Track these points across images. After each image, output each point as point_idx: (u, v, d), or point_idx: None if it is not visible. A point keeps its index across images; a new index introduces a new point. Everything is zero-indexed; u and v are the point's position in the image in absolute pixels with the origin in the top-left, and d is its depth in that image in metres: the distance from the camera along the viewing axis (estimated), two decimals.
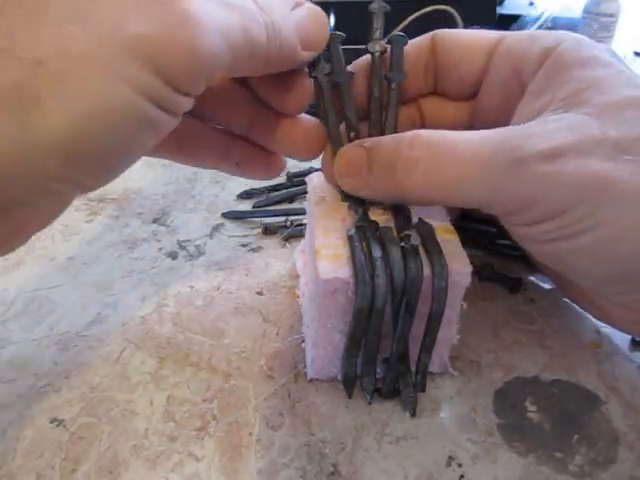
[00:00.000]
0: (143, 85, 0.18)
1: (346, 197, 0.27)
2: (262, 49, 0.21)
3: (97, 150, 0.18)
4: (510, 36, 0.27)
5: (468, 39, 0.28)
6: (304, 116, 0.27)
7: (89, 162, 0.18)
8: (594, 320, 0.31)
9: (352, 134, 0.26)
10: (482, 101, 0.28)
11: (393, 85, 0.26)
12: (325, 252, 0.24)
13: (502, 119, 0.26)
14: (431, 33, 0.28)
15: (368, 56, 0.26)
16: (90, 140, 0.17)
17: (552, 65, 0.24)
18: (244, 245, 0.37)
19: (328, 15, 0.24)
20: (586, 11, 0.70)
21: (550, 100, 0.24)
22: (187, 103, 0.19)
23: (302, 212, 0.38)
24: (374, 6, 0.26)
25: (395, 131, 0.26)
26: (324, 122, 0.26)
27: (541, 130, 0.22)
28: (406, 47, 0.27)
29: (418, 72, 0.28)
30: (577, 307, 0.32)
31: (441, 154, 0.22)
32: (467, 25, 0.69)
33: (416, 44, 0.28)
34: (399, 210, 0.26)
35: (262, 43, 0.21)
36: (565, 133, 0.21)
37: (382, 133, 0.26)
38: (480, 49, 0.27)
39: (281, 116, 0.27)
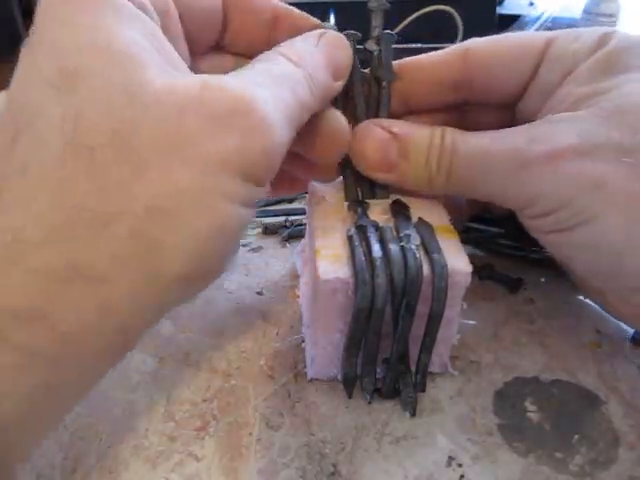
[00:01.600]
0: (239, 194, 0.19)
1: (347, 197, 0.27)
2: (310, 105, 0.22)
3: (215, 263, 0.19)
4: (558, 39, 0.26)
5: (507, 55, 0.27)
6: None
7: (205, 276, 0.20)
8: (594, 320, 0.31)
9: None
10: (526, 106, 0.28)
11: (384, 84, 0.26)
12: (325, 252, 0.24)
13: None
14: (463, 47, 0.27)
15: None
16: (209, 259, 0.19)
17: (597, 60, 0.25)
18: (244, 245, 0.37)
19: (328, 15, 0.24)
20: (586, 11, 0.70)
21: (568, 93, 0.25)
22: (266, 188, 0.21)
23: (302, 212, 0.38)
24: (373, 4, 0.26)
25: None
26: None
27: (546, 131, 0.23)
28: (430, 56, 0.27)
29: (444, 84, 0.28)
30: (577, 307, 0.32)
31: (467, 158, 0.24)
32: (467, 25, 0.69)
33: (446, 54, 0.27)
34: (399, 210, 0.26)
35: (310, 100, 0.22)
36: (568, 134, 0.23)
37: None
38: (523, 64, 0.26)
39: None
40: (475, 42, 0.27)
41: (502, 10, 0.77)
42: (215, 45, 0.25)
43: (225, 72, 0.20)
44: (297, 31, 0.24)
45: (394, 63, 0.27)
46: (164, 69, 0.18)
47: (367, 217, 0.25)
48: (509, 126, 0.25)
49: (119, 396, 0.26)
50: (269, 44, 0.23)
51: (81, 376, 0.19)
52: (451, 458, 0.24)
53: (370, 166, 0.26)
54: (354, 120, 0.26)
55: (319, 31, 0.24)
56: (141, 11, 0.19)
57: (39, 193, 0.16)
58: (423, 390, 0.26)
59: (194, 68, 0.23)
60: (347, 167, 0.27)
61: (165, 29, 0.20)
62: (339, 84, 0.24)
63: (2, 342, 0.16)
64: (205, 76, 0.19)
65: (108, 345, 0.18)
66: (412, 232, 0.24)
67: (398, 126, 0.25)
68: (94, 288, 0.17)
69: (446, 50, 0.28)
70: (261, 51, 0.23)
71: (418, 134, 0.25)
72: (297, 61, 0.22)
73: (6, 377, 0.16)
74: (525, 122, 0.25)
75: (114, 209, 0.16)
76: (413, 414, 0.25)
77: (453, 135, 0.25)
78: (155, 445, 0.24)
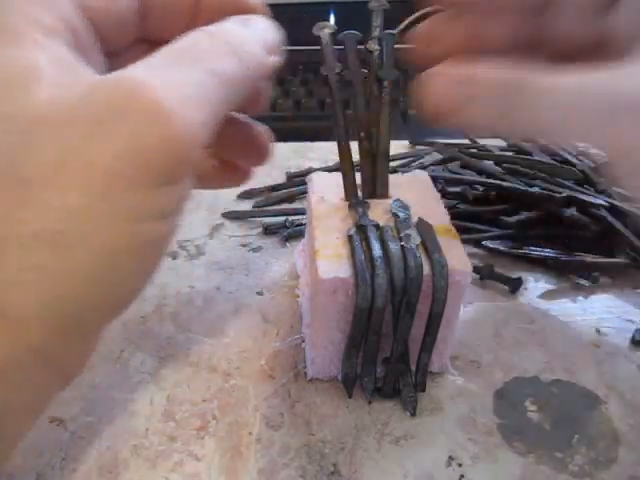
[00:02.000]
0: (142, 206, 0.16)
1: (347, 197, 0.27)
2: (243, 76, 0.20)
3: (123, 288, 0.18)
4: None
5: None
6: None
7: (115, 302, 0.18)
8: (594, 320, 0.31)
9: (362, 134, 0.26)
10: (618, 16, 0.23)
11: (385, 84, 0.26)
12: (325, 252, 0.24)
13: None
14: None
15: None
16: (113, 284, 0.17)
17: None
18: (244, 245, 0.37)
19: (328, 15, 0.24)
20: None
21: None
22: (188, 185, 0.18)
23: (302, 212, 0.38)
24: (373, 4, 0.26)
25: (390, 129, 0.26)
26: (333, 121, 0.26)
27: None
28: None
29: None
30: (577, 307, 0.32)
31: (549, 99, 0.21)
32: None
33: None
34: (399, 210, 0.26)
35: (239, 71, 0.19)
36: None
37: (378, 132, 0.26)
38: None
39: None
40: None
41: None
42: (137, 38, 0.23)
43: None
44: (223, 16, 0.21)
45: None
46: (58, 83, 0.16)
47: (367, 217, 0.25)
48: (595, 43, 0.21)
49: (119, 396, 0.26)
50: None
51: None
52: (451, 458, 0.24)
53: (434, 112, 0.23)
54: (355, 121, 0.26)
55: (245, 15, 0.22)
56: (42, 31, 0.17)
57: None
58: (423, 390, 0.26)
59: (117, 67, 0.22)
60: (347, 166, 0.27)
61: (76, 42, 0.19)
62: (273, 59, 0.22)
63: None
64: (99, 76, 0.17)
65: (31, 376, 0.17)
66: (412, 232, 0.24)
67: (467, 69, 0.22)
68: None
69: None
70: None
71: (491, 74, 0.22)
72: (216, 32, 0.19)
73: None
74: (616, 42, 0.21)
75: None
76: (413, 414, 0.25)
77: (534, 75, 0.21)
78: (155, 445, 0.24)
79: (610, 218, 0.34)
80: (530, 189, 0.36)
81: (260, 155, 0.26)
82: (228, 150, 0.26)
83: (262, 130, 0.26)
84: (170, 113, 0.16)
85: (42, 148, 0.15)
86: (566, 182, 0.37)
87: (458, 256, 0.24)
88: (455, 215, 0.28)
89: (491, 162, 0.40)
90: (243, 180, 0.28)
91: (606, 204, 0.34)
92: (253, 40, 0.21)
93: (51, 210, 0.15)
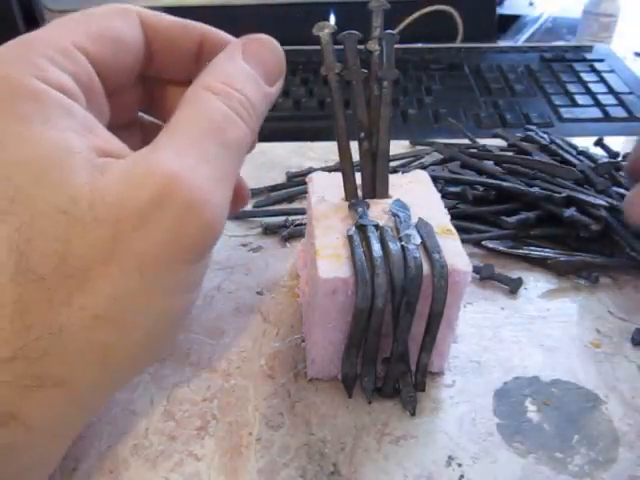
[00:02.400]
0: (181, 282, 0.20)
1: (347, 197, 0.27)
2: (249, 129, 0.22)
3: (163, 348, 0.23)
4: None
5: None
6: None
7: (155, 358, 0.24)
8: (594, 320, 0.31)
9: (362, 134, 0.26)
10: None
11: (385, 84, 0.26)
12: (325, 252, 0.24)
13: None
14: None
15: None
16: (158, 348, 0.22)
17: None
18: (244, 245, 0.37)
19: (328, 15, 0.24)
20: (586, 11, 0.70)
21: None
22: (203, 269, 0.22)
23: (302, 212, 0.38)
24: (373, 4, 0.26)
25: (390, 129, 0.26)
26: (333, 121, 0.26)
27: None
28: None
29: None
30: (577, 307, 0.32)
31: None
32: (467, 25, 0.69)
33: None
34: (399, 210, 0.26)
35: (246, 126, 0.21)
36: None
37: (378, 132, 0.26)
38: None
39: None
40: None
41: (502, 10, 0.77)
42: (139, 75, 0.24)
43: (148, 105, 0.21)
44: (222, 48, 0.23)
45: None
46: (89, 164, 0.18)
47: (367, 217, 0.25)
48: None
49: (119, 396, 0.26)
50: (197, 69, 0.22)
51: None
52: (451, 458, 0.24)
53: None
54: (355, 121, 0.26)
55: (241, 39, 0.23)
56: (62, 94, 0.19)
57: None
58: (423, 390, 0.26)
59: (117, 105, 0.23)
60: (347, 166, 0.27)
61: (89, 100, 0.20)
62: (277, 87, 0.23)
63: None
64: (129, 163, 0.18)
65: (74, 430, 0.20)
66: (412, 232, 0.24)
67: None
68: (57, 391, 0.18)
69: None
70: (188, 76, 0.22)
71: None
72: (222, 89, 0.21)
73: None
74: None
75: (64, 321, 0.17)
76: (413, 414, 0.25)
77: None
78: (155, 445, 0.24)
79: (610, 218, 0.34)
80: (530, 189, 0.36)
81: (241, 199, 0.28)
82: None
83: (242, 180, 0.28)
84: (204, 201, 0.18)
85: (95, 237, 0.17)
86: (566, 182, 0.37)
87: (458, 256, 0.24)
88: (455, 215, 0.28)
89: (491, 162, 0.40)
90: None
91: (606, 204, 0.34)
92: (254, 77, 0.22)
93: (106, 294, 0.17)
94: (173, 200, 0.18)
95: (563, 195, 0.35)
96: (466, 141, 0.45)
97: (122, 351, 0.19)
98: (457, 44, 0.68)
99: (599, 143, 0.43)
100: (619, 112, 0.53)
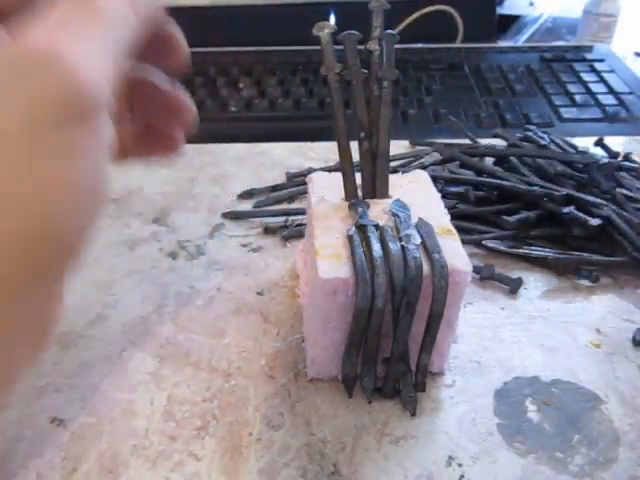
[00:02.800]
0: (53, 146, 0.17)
1: (347, 197, 0.27)
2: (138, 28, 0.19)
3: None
4: None
5: None
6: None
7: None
8: (594, 320, 0.31)
9: (362, 134, 0.26)
10: None
11: (385, 84, 0.26)
12: (325, 252, 0.24)
13: None
14: None
15: None
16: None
17: None
18: (244, 245, 0.37)
19: (328, 15, 0.24)
20: (586, 11, 0.70)
21: None
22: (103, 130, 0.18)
23: (302, 212, 0.38)
24: (373, 4, 0.26)
25: (390, 129, 0.26)
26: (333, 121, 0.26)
27: None
28: None
29: None
30: (577, 307, 0.32)
31: None
32: (467, 25, 0.69)
33: None
34: (399, 210, 0.26)
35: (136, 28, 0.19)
36: None
37: (378, 132, 0.26)
38: None
39: None
40: None
41: (502, 10, 0.77)
42: None
43: None
44: None
45: None
46: None
47: (367, 217, 0.25)
48: None
49: (119, 396, 0.26)
50: None
51: None
52: (451, 458, 0.24)
53: None
54: (355, 121, 0.26)
55: None
56: None
57: None
58: (423, 390, 0.26)
59: None
60: (347, 166, 0.27)
61: None
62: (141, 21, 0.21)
63: None
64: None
65: None
66: (412, 232, 0.24)
67: None
68: None
69: None
70: None
71: None
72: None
73: None
74: None
75: None
76: (413, 414, 0.25)
77: None
78: (155, 445, 0.24)
79: (612, 217, 0.34)
80: (530, 189, 0.36)
81: (183, 119, 0.26)
82: (148, 114, 0.25)
83: (182, 92, 0.25)
84: (59, 58, 0.16)
85: None
86: (568, 182, 0.37)
87: (458, 256, 0.24)
88: (455, 215, 0.28)
89: (491, 162, 0.40)
90: (173, 148, 0.27)
91: (606, 203, 0.34)
92: None
93: None
94: (35, 62, 0.16)
95: (563, 194, 0.35)
96: (466, 141, 0.45)
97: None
98: (457, 44, 0.68)
99: (599, 143, 0.43)
100: (619, 112, 0.53)
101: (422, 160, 0.43)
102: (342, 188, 0.27)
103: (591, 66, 0.60)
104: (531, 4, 0.83)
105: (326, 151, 0.47)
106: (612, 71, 0.59)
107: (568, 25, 0.78)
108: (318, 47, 0.26)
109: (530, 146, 0.41)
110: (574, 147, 0.42)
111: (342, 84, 0.26)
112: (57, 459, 0.23)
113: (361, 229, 0.24)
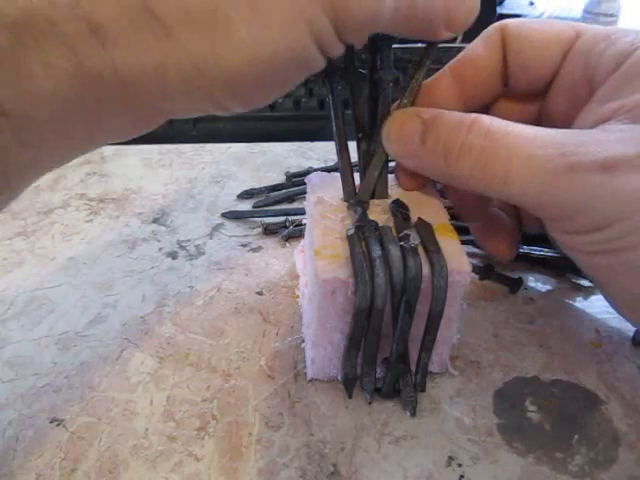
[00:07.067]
0: (319, 31, 0.18)
1: (347, 197, 0.27)
2: (415, 18, 0.21)
3: (261, 85, 0.19)
4: (586, 35, 0.25)
5: (542, 39, 0.26)
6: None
7: (248, 93, 0.19)
8: (594, 320, 0.31)
9: (361, 134, 0.26)
10: (549, 104, 0.27)
11: (385, 84, 0.26)
12: (324, 252, 0.24)
13: (565, 125, 0.25)
14: (498, 27, 0.26)
15: None
16: (261, 76, 0.18)
17: (625, 71, 0.23)
18: (244, 245, 0.37)
19: None
20: (586, 11, 0.70)
21: (617, 108, 0.22)
22: (340, 51, 0.20)
23: (302, 212, 0.38)
24: None
25: None
26: (332, 121, 0.26)
27: (599, 139, 0.21)
28: (475, 49, 0.26)
29: (494, 75, 0.27)
30: (577, 307, 0.32)
31: (495, 146, 0.22)
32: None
33: (487, 43, 0.27)
34: (399, 210, 0.26)
35: (417, 13, 0.21)
36: (623, 145, 0.21)
37: (377, 132, 0.26)
38: (554, 50, 0.26)
39: None
40: (509, 21, 0.26)
41: (502, 10, 0.77)
42: None
43: None
44: None
45: (448, 66, 0.26)
46: None
47: (366, 217, 0.25)
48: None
49: (119, 396, 0.26)
50: None
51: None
52: (451, 458, 0.24)
53: (395, 151, 0.25)
54: (355, 122, 0.26)
55: None
56: None
57: None
58: (423, 390, 0.26)
59: None
60: (346, 166, 0.27)
61: None
62: (448, 34, 0.23)
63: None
64: None
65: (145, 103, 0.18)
66: (412, 232, 0.24)
67: (428, 112, 0.24)
68: (157, 37, 0.17)
69: (484, 36, 0.27)
70: None
71: (443, 118, 0.23)
72: None
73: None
74: (548, 125, 0.23)
75: None
76: (413, 414, 0.25)
77: (489, 120, 0.22)
78: (155, 445, 0.24)
79: None
80: None
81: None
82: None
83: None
84: None
85: None
86: None
87: (457, 256, 0.24)
88: (455, 215, 0.28)
89: None
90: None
91: None
92: (442, 8, 0.22)
93: None
94: None
95: None
96: None
97: (233, 34, 0.17)
98: (457, 44, 0.68)
99: None
100: None
101: None
102: (341, 188, 0.27)
103: None
104: (531, 4, 0.83)
105: (326, 151, 0.47)
106: None
107: None
108: None
109: None
110: None
111: (342, 84, 0.26)
112: (56, 459, 0.23)
113: (360, 229, 0.24)
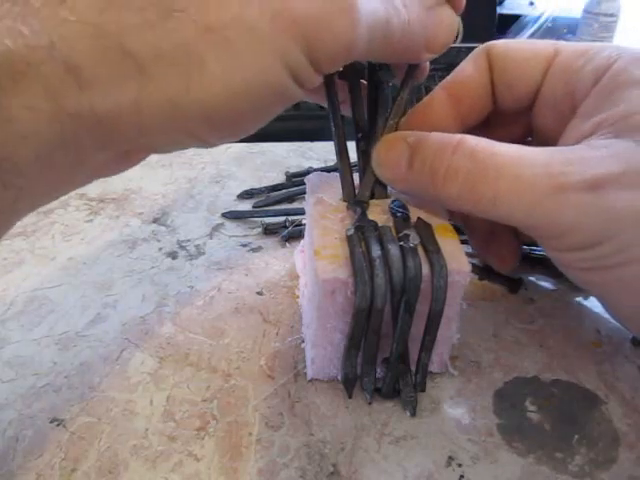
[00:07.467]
0: (292, 63, 0.18)
1: (347, 197, 0.27)
2: (393, 44, 0.21)
3: (239, 118, 0.19)
4: (565, 52, 0.26)
5: (522, 57, 0.27)
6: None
7: (226, 127, 0.19)
8: (594, 320, 0.31)
9: (359, 134, 0.26)
10: (536, 120, 0.27)
11: (384, 85, 0.26)
12: (324, 252, 0.24)
13: (553, 141, 0.25)
14: (484, 48, 0.27)
15: None
16: (238, 110, 0.19)
17: (605, 85, 0.23)
18: (244, 245, 0.37)
19: None
20: (586, 11, 0.70)
21: (599, 122, 0.23)
22: (318, 81, 0.20)
23: (302, 212, 0.38)
24: None
25: (394, 130, 0.26)
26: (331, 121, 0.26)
27: (584, 156, 0.21)
28: (465, 70, 0.27)
29: (484, 94, 0.28)
30: (577, 307, 0.32)
31: (481, 168, 0.22)
32: (467, 25, 0.69)
33: (475, 64, 0.27)
34: (398, 210, 0.26)
35: (395, 38, 0.21)
36: (609, 162, 0.21)
37: (376, 132, 0.26)
38: (535, 68, 0.26)
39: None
40: (494, 42, 0.27)
41: (502, 10, 0.77)
42: None
43: None
44: None
45: (441, 86, 0.27)
46: None
47: (366, 217, 0.25)
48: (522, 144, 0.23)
49: (119, 396, 0.26)
50: None
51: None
52: (451, 458, 0.24)
53: (384, 176, 0.25)
54: (354, 122, 0.26)
55: None
56: None
57: None
58: (423, 390, 0.26)
59: None
60: (345, 166, 0.27)
61: None
62: (429, 56, 0.24)
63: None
64: None
65: (116, 140, 0.18)
66: (411, 232, 0.24)
67: (413, 135, 0.24)
68: (132, 75, 0.17)
69: (471, 57, 0.28)
70: None
71: (429, 141, 0.24)
72: (406, 2, 0.21)
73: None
74: (536, 142, 0.24)
75: (180, 6, 0.17)
76: (413, 414, 0.25)
77: (474, 141, 0.23)
78: (155, 445, 0.24)
79: None
80: None
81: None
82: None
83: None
84: (357, 22, 0.19)
85: None
86: None
87: (457, 256, 0.24)
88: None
89: None
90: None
91: None
92: (422, 32, 0.23)
93: (233, 14, 0.17)
94: None
95: None
96: None
97: (206, 75, 0.17)
98: (457, 44, 0.68)
99: None
100: None
101: None
102: (340, 188, 0.27)
103: None
104: (531, 4, 0.83)
105: (326, 151, 0.47)
106: None
107: (568, 25, 0.78)
108: None
109: None
110: None
111: (342, 84, 0.26)
112: (57, 459, 0.23)
113: (360, 229, 0.24)
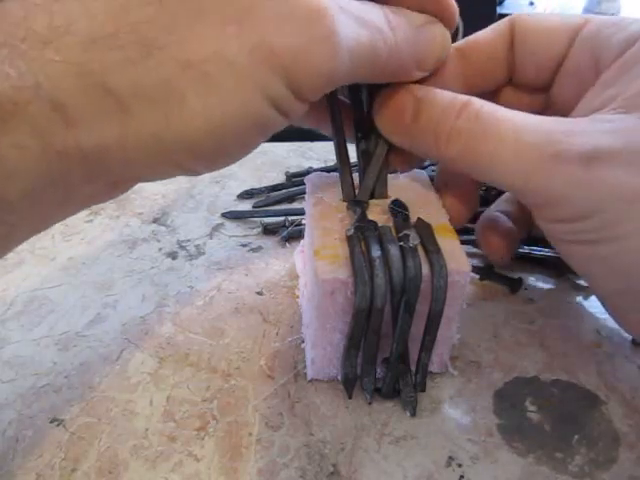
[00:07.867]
0: (273, 94, 0.19)
1: (346, 197, 0.27)
2: (380, 66, 0.22)
3: (223, 148, 0.19)
4: (595, 20, 0.25)
5: (549, 25, 0.26)
6: None
7: (211, 157, 0.20)
8: (594, 320, 0.31)
9: (359, 134, 0.26)
10: (556, 91, 0.27)
11: (384, 84, 0.26)
12: (324, 252, 0.24)
13: (569, 113, 0.25)
14: (508, 18, 0.27)
15: None
16: (221, 141, 0.19)
17: (629, 58, 0.23)
18: (244, 245, 0.37)
19: None
20: (586, 11, 0.70)
21: (614, 95, 0.22)
22: (303, 109, 0.20)
23: (302, 212, 0.38)
24: None
25: None
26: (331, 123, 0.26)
27: (586, 129, 0.21)
28: (484, 34, 0.26)
29: (499, 61, 0.27)
30: (577, 307, 0.32)
31: (483, 129, 0.22)
32: (467, 25, 0.69)
33: (495, 30, 0.27)
34: (398, 210, 0.26)
35: (382, 61, 0.21)
36: (610, 137, 0.21)
37: (376, 132, 0.26)
38: (562, 34, 0.25)
39: None
40: (519, 14, 0.27)
41: (502, 10, 0.77)
42: None
43: None
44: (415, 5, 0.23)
45: (454, 46, 0.26)
46: None
47: (366, 217, 0.25)
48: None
49: (119, 396, 0.26)
50: None
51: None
52: (451, 458, 0.24)
53: (386, 128, 0.25)
54: (355, 122, 0.26)
55: (426, 17, 0.23)
56: None
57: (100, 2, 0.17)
58: (423, 390, 0.26)
59: None
60: (345, 166, 0.27)
61: None
62: (420, 74, 0.24)
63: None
64: None
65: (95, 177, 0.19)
66: (411, 232, 0.24)
67: (422, 90, 0.24)
68: (114, 112, 0.17)
69: (494, 25, 0.27)
70: None
71: (437, 97, 0.23)
72: (392, 25, 0.21)
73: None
74: (554, 114, 0.23)
75: (160, 44, 0.17)
76: (413, 414, 0.25)
77: (480, 104, 0.22)
78: (155, 445, 0.24)
79: None
80: None
81: None
82: None
83: None
84: (338, 50, 0.19)
85: None
86: None
87: (457, 256, 0.24)
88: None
89: None
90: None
91: None
92: (411, 52, 0.23)
93: (212, 48, 0.17)
94: (320, 25, 0.18)
95: None
96: None
97: (186, 110, 0.18)
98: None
99: None
100: None
101: None
102: (340, 188, 0.27)
103: None
104: (531, 4, 0.83)
105: (325, 151, 0.47)
106: None
107: None
108: None
109: None
110: None
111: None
112: (57, 459, 0.23)
113: (360, 229, 0.24)
